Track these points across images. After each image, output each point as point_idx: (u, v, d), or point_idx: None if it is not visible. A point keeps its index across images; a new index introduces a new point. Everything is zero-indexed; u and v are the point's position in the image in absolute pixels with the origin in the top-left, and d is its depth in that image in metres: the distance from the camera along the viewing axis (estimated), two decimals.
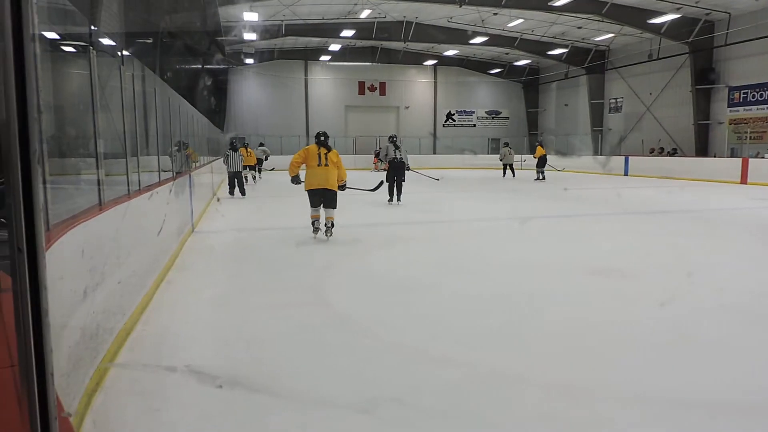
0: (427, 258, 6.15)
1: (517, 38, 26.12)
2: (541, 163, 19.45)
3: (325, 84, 31.32)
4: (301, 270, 5.46)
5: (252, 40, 25.14)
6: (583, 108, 29.21)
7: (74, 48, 3.81)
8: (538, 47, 26.98)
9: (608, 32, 23.86)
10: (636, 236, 7.70)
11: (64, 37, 3.78)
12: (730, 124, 21.15)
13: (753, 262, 5.89)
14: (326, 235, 6.97)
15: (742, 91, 20.68)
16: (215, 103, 20.71)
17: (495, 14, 22.38)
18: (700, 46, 21.51)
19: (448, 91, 33.12)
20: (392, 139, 11.00)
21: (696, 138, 22.44)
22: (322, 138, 7.03)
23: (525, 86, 33.80)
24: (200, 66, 14.97)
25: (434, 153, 31.45)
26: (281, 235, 7.74)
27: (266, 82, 30.12)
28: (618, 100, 27.40)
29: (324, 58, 30.30)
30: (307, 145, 8.02)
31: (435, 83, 32.92)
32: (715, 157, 20.99)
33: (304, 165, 6.86)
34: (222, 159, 13.52)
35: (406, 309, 4.15)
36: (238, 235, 7.71)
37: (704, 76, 21.80)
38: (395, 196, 11.01)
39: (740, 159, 18.01)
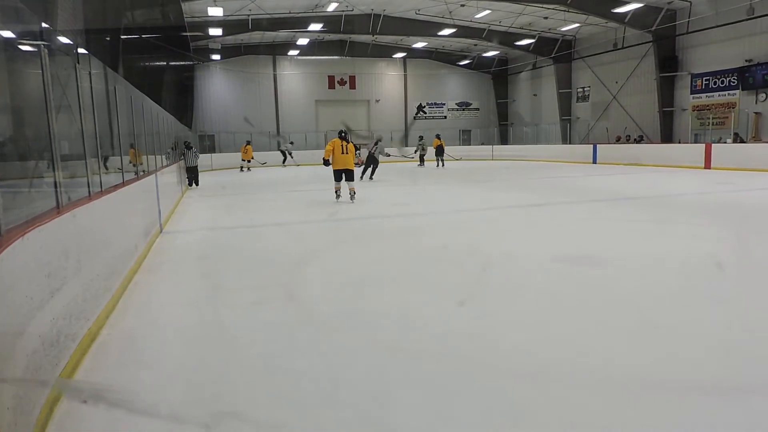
0: (399, 252, 6.14)
1: (484, 29, 26.24)
2: (440, 151, 22.25)
3: (295, 79, 31.02)
4: (273, 267, 5.40)
5: (218, 36, 24.71)
6: (552, 98, 29.62)
7: (30, 47, 3.68)
8: (506, 38, 27.17)
9: (574, 22, 24.18)
10: (604, 222, 7.83)
11: (19, 36, 3.65)
12: (694, 110, 21.69)
13: (719, 245, 6.05)
14: (351, 200, 10.26)
15: (704, 78, 21.21)
16: (182, 101, 20.36)
17: (462, 6, 22.45)
18: (663, 35, 21.94)
19: (418, 84, 33.19)
20: (378, 141, 15.71)
21: (661, 125, 23.00)
22: (343, 134, 10.34)
23: (494, 77, 34.07)
24: (165, 63, 14.68)
25: (406, 146, 31.45)
26: (253, 233, 7.65)
27: (234, 78, 29.68)
28: (585, 89, 27.84)
29: (292, 52, 29.98)
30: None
31: (405, 76, 32.93)
32: (679, 143, 21.52)
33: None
34: (184, 155, 15.20)
35: (379, 304, 4.14)
36: (208, 234, 7.60)
37: (668, 64, 22.30)
38: (367, 177, 15.43)
39: (703, 145, 18.48)
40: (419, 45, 30.22)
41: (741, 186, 12.25)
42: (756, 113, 19.28)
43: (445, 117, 33.89)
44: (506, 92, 34.34)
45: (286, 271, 5.18)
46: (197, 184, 15.57)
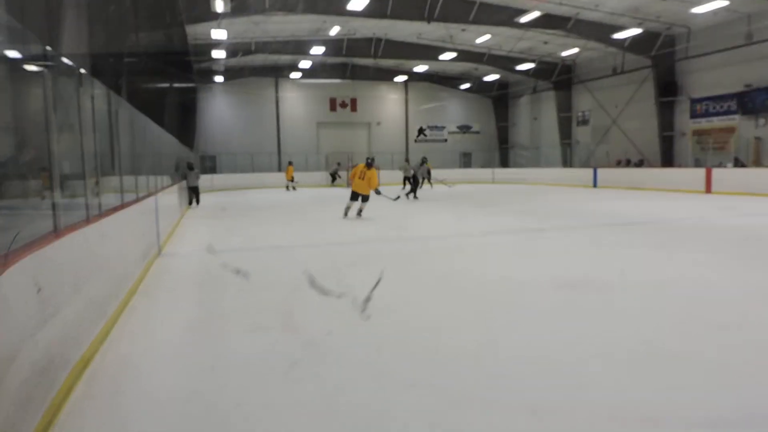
0: (396, 278, 6.09)
1: (485, 54, 26.57)
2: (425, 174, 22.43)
3: (296, 101, 31.30)
4: (271, 292, 5.35)
5: (221, 58, 25.01)
6: (552, 121, 29.81)
7: (34, 68, 3.70)
8: (506, 62, 27.50)
9: (574, 47, 24.49)
10: (605, 248, 7.79)
11: (23, 58, 3.67)
12: (694, 135, 21.79)
13: (721, 271, 6.00)
14: (358, 215, 11.57)
15: (704, 103, 21.34)
16: (184, 122, 20.54)
17: (463, 30, 22.76)
18: (662, 60, 22.21)
19: (419, 107, 33.46)
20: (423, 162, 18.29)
21: (661, 149, 23.05)
22: (369, 161, 11.39)
23: (495, 101, 34.36)
24: (168, 85, 14.83)
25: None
26: (252, 257, 7.61)
27: (237, 99, 29.94)
28: (585, 113, 28.05)
29: (294, 75, 30.30)
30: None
31: (406, 99, 33.23)
32: (680, 167, 21.55)
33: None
34: (184, 176, 15.60)
35: (378, 331, 4.08)
36: (207, 257, 7.55)
37: (667, 89, 22.48)
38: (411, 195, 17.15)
39: (704, 169, 18.55)
40: (420, 69, 30.56)
41: (742, 211, 12.23)
42: (756, 138, 19.35)
43: (446, 140, 34.14)
44: (507, 116, 34.62)
45: (284, 296, 5.13)
46: (198, 203, 16.21)
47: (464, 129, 34.41)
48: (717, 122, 20.77)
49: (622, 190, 20.25)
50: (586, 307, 4.60)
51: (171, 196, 10.64)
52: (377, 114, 32.77)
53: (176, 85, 16.71)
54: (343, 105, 32.04)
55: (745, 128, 19.72)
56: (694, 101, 21.68)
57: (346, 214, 11.61)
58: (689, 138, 21.89)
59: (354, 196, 11.42)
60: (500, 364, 3.35)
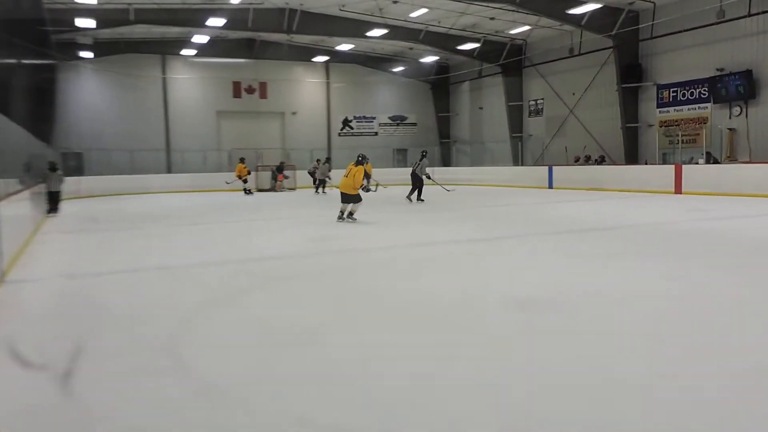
0: (315, 300, 5.97)
1: (421, 30, 27.03)
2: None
3: (190, 84, 30.52)
4: (153, 326, 5.07)
5: (89, 28, 23.94)
6: (500, 111, 30.66)
7: None
8: (447, 41, 28.12)
9: (524, 24, 25.40)
10: (562, 259, 8.00)
11: None
12: (661, 126, 22.99)
13: (691, 284, 6.29)
14: (347, 219, 12.65)
15: (672, 90, 22.60)
16: (39, 110, 19.44)
17: (395, 2, 23.01)
18: (625, 40, 23.42)
19: (343, 94, 33.62)
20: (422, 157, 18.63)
21: (625, 143, 24.19)
22: (359, 159, 12.85)
23: (433, 87, 35.09)
24: (14, 61, 13.96)
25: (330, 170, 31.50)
26: (128, 280, 7.24)
27: (111, 81, 28.76)
28: (538, 102, 29.18)
29: (187, 52, 29.54)
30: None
31: (328, 84, 33.30)
32: (646, 164, 22.66)
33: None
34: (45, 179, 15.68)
35: (287, 368, 3.93)
36: (67, 284, 7.10)
37: (630, 73, 23.60)
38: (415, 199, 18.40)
39: (673, 166, 19.65)
40: (344, 47, 30.65)
41: (716, 214, 12.90)
42: (730, 129, 20.64)
43: (376, 133, 34.46)
44: (448, 105, 35.39)
45: (170, 331, 4.87)
46: (56, 212, 16.29)
47: (398, 120, 34.92)
48: (687, 112, 22.04)
49: (581, 192, 21.07)
50: (540, 329, 4.68)
51: (19, 205, 9.99)
52: (292, 102, 32.53)
53: (26, 61, 15.80)
54: (250, 90, 31.59)
55: (718, 118, 20.86)
56: (661, 87, 22.92)
57: (341, 217, 12.68)
58: (656, 130, 23.07)
59: (341, 198, 12.62)
60: (438, 402, 3.29)
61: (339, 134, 33.78)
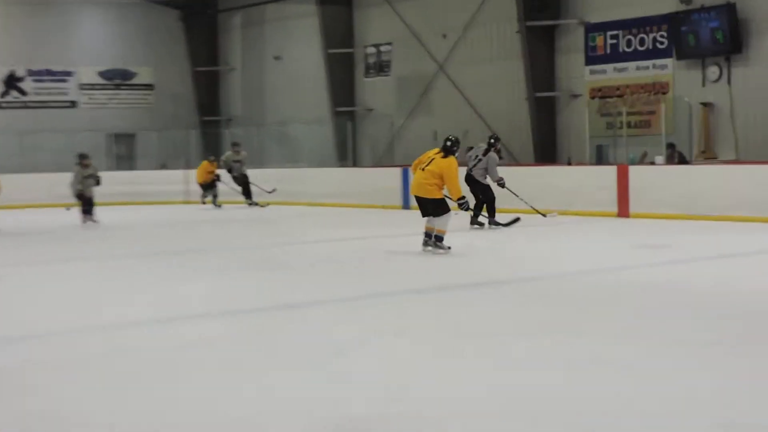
0: None
1: None
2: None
3: None
4: None
5: None
6: (314, 66, 21.45)
7: None
8: None
9: None
10: (426, 346, 4.86)
11: None
12: (593, 97, 16.83)
13: (632, 382, 3.88)
14: (424, 247, 9.08)
15: (610, 34, 16.43)
16: None
17: None
18: None
19: (9, 27, 22.64)
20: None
21: (534, 127, 17.49)
22: (449, 143, 9.01)
23: (187, 18, 23.84)
24: None
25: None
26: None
27: None
28: (381, 48, 20.83)
29: None
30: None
31: None
32: (569, 164, 16.42)
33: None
34: None
35: None
36: None
37: (540, 4, 16.97)
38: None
39: (614, 168, 13.94)
40: None
41: (681, 255, 9.39)
42: (704, 104, 15.27)
43: (73, 103, 23.38)
44: (215, 53, 24.50)
45: None
46: None
47: (119, 78, 23.69)
48: (635, 73, 16.22)
49: (459, 215, 13.51)
50: None
51: None
52: None
53: None
54: None
55: (685, 85, 15.53)
56: (592, 30, 16.75)
57: (424, 243, 9.28)
58: (585, 103, 16.80)
59: (420, 207, 9.53)
60: None
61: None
